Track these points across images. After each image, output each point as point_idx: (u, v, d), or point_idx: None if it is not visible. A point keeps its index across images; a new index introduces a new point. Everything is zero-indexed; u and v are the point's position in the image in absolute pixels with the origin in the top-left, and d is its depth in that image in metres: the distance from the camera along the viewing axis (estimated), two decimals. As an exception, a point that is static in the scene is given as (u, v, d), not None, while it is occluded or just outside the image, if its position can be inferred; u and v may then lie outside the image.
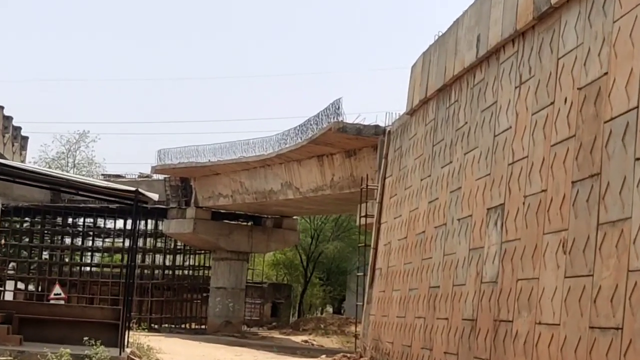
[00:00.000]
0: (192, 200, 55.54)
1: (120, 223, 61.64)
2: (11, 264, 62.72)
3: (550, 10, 14.50)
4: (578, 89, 13.11)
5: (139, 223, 52.63)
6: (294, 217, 59.05)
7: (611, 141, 11.74)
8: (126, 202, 22.38)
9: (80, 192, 23.62)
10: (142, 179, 59.18)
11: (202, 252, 62.38)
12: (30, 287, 62.66)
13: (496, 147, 16.44)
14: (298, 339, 54.74)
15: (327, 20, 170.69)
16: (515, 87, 15.88)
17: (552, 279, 13.02)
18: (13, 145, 42.93)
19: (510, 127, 15.80)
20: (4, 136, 40.78)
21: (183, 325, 60.62)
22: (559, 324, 12.61)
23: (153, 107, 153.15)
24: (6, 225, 59.79)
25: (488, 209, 16.35)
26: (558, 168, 13.40)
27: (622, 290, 10.86)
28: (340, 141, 39.08)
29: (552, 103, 14.05)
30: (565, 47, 13.82)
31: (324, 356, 27.69)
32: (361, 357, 25.27)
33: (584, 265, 12.01)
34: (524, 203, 14.58)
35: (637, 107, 11.15)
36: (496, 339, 14.99)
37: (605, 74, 12.26)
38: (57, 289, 34.98)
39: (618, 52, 11.95)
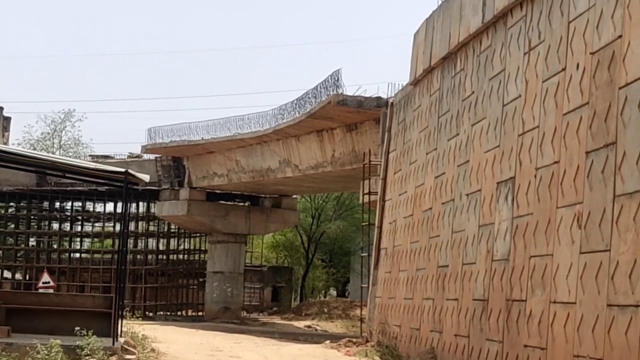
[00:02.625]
0: (186, 181, 55.52)
1: (110, 206, 61.64)
2: (-4, 252, 62.80)
3: (559, -29, 14.45)
4: (591, 53, 13.08)
5: (130, 206, 52.63)
6: (294, 196, 59.04)
7: (627, 108, 11.72)
8: (116, 184, 22.35)
9: (67, 175, 23.59)
10: (132, 159, 59.09)
11: (198, 235, 62.38)
12: (18, 276, 62.75)
13: (505, 117, 16.43)
14: (301, 324, 54.84)
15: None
16: (524, 54, 15.85)
17: (566, 255, 13.04)
18: (-5, 127, 42.87)
19: (520, 96, 15.78)
20: (-15, 117, 40.72)
21: (179, 313, 60.71)
22: (574, 303, 12.63)
23: (141, 83, 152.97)
24: (-10, 211, 59.83)
25: (498, 183, 16.35)
26: (571, 138, 13.39)
27: (641, 265, 10.87)
28: (341, 115, 39.01)
29: (564, 69, 14.02)
30: (577, 10, 13.78)
31: (328, 342, 27.73)
32: (367, 341, 25.33)
33: (600, 240, 12.02)
34: (535, 176, 14.58)
35: (654, 71, 11.13)
36: (509, 320, 15.03)
37: (619, 37, 12.22)
38: (46, 277, 35.01)
39: (632, 14, 11.92)
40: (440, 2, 21.78)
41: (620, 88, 12.00)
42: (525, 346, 14.19)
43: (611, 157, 12.00)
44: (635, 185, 11.26)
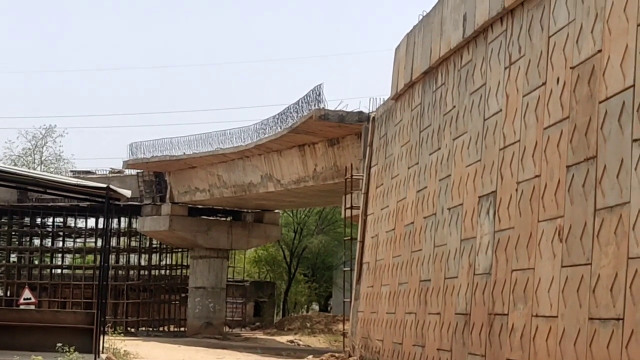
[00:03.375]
0: (168, 196, 55.45)
1: (91, 222, 61.54)
2: (-23, 269, 62.52)
3: (539, -14, 14.52)
4: (571, 68, 13.14)
5: (112, 221, 52.54)
6: (276, 211, 59.04)
7: (607, 122, 11.77)
8: (97, 199, 22.36)
9: (49, 191, 23.57)
10: (113, 174, 59.01)
11: (180, 250, 62.31)
12: (-1, 292, 62.50)
13: (486, 131, 16.47)
14: (283, 339, 54.79)
15: (304, 3, 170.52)
16: (505, 68, 15.91)
17: (548, 268, 13.07)
18: (-25, 143, 42.70)
19: (501, 110, 15.83)
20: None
21: (161, 328, 60.57)
22: (556, 316, 12.66)
23: (123, 99, 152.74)
24: (-29, 227, 59.56)
25: (479, 197, 16.39)
26: (552, 152, 13.44)
27: (622, 278, 10.91)
28: (322, 129, 39.07)
29: (544, 84, 14.08)
30: (557, 24, 13.85)
31: (310, 356, 27.73)
32: (350, 356, 25.30)
33: (582, 254, 12.05)
34: (517, 190, 14.62)
35: (633, 85, 11.18)
36: (491, 334, 15.04)
37: (599, 51, 12.29)
38: (27, 294, 34.87)
39: (612, 28, 11.98)
40: (421, 17, 21.84)
41: (600, 102, 12.06)
42: (508, 360, 14.20)
43: (592, 171, 12.04)
44: (615, 199, 11.31)
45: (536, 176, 13.92)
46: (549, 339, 12.82)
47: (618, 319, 10.90)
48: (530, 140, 14.35)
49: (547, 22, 14.22)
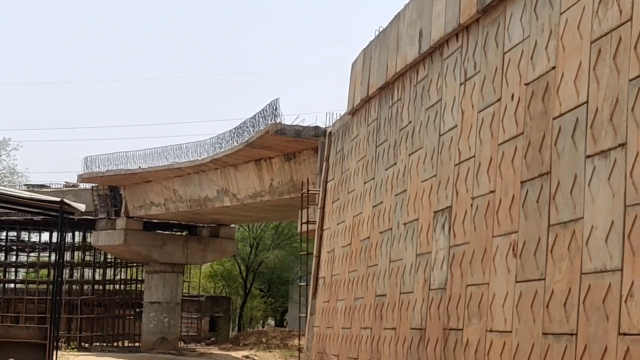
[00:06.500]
0: (123, 210, 55.13)
1: (45, 236, 61.04)
2: None
3: (494, 3, 14.63)
4: (525, 84, 13.24)
5: (66, 235, 52.15)
6: (232, 226, 58.90)
7: (560, 138, 11.87)
8: (51, 213, 22.18)
9: (2, 204, 23.35)
10: (68, 188, 58.59)
11: (135, 264, 61.94)
12: (-50, 307, 61.76)
13: (442, 147, 16.55)
14: (238, 354, 54.56)
15: (262, 18, 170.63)
16: (460, 84, 16.00)
17: (502, 283, 13.14)
18: None
19: (456, 126, 15.91)
20: None
21: (115, 343, 60.13)
22: (510, 331, 12.72)
23: (78, 112, 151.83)
24: None
25: (435, 212, 16.45)
26: (506, 168, 13.53)
27: (575, 293, 10.99)
28: (279, 144, 39.07)
29: (499, 100, 14.18)
30: (511, 41, 13.96)
31: (266, 372, 27.66)
32: (305, 371, 25.26)
33: (536, 269, 12.13)
34: (471, 205, 14.69)
35: (587, 102, 11.29)
36: (446, 349, 15.08)
37: (553, 68, 12.40)
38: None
39: (566, 45, 12.10)
40: (377, 32, 21.93)
41: (554, 118, 12.16)
42: (462, 375, 14.24)
43: (545, 187, 12.13)
44: (569, 214, 11.40)
45: (491, 192, 14.00)
46: (503, 354, 12.88)
47: (571, 334, 10.98)
48: (485, 155, 14.43)
49: (502, 38, 14.33)
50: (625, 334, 9.82)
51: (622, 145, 10.34)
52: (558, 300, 11.39)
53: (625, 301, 9.86)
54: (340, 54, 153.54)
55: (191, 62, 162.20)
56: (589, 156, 11.06)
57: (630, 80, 10.36)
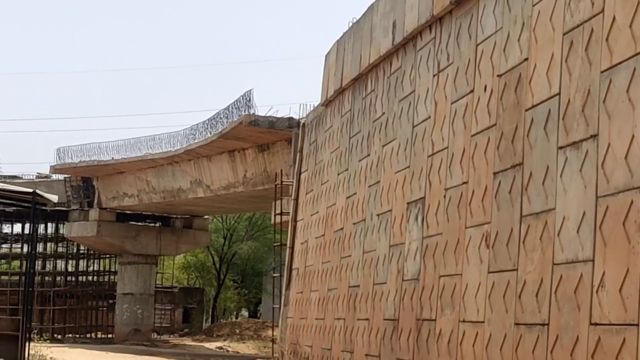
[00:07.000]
0: (95, 201, 54.90)
1: (18, 227, 60.68)
2: None
3: (468, -5, 14.67)
4: (498, 76, 13.29)
5: (38, 227, 51.89)
6: (205, 217, 58.77)
7: (533, 130, 11.93)
8: (24, 204, 22.07)
9: (-27, 195, 23.21)
10: (40, 179, 58.29)
11: (108, 256, 61.70)
12: None
13: (415, 138, 16.59)
14: (212, 345, 54.50)
15: (235, 8, 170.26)
16: (434, 75, 16.04)
17: (475, 274, 13.20)
18: None
19: (429, 117, 15.96)
20: None
21: (88, 335, 59.90)
22: (483, 322, 12.78)
23: (51, 103, 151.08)
24: None
25: (408, 203, 16.49)
26: (479, 159, 13.58)
27: (547, 284, 11.06)
28: (252, 135, 39.01)
29: (472, 91, 14.23)
30: (484, 33, 14.01)
31: (239, 363, 27.66)
32: (279, 362, 25.28)
33: (508, 260, 12.19)
34: (444, 196, 14.74)
35: (559, 93, 11.35)
36: (419, 339, 15.14)
37: (526, 59, 12.46)
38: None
39: (538, 37, 12.16)
40: (351, 23, 21.93)
41: (526, 110, 12.22)
42: (435, 365, 14.30)
43: (518, 178, 12.19)
44: (541, 205, 11.46)
45: (464, 183, 14.05)
46: (475, 344, 12.95)
47: (543, 324, 11.05)
48: (458, 147, 14.48)
49: (475, 30, 14.37)
50: (596, 324, 9.89)
51: (594, 136, 10.41)
52: (530, 291, 11.45)
53: (597, 291, 9.93)
54: (315, 46, 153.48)
55: (166, 53, 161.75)
56: (561, 147, 11.13)
57: (602, 72, 10.43)
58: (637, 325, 9.15)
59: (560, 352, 10.57)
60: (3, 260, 64.32)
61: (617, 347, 9.42)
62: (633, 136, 9.62)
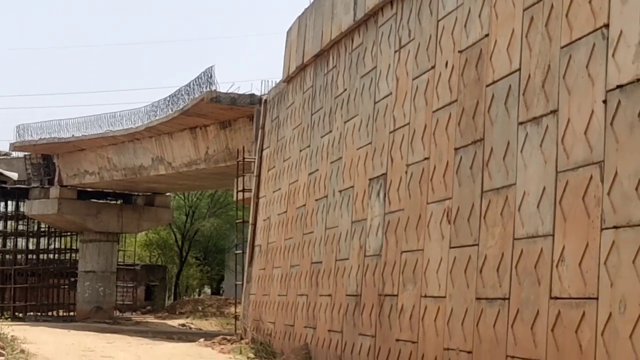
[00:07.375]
0: (56, 179, 54.53)
1: (-23, 206, 60.19)
2: None
3: (429, -30, 14.68)
4: (459, 52, 13.34)
5: (-1, 205, 51.52)
6: (167, 194, 58.56)
7: (494, 105, 12.00)
8: (-17, 182, 21.89)
9: None
10: (0, 157, 57.82)
11: (69, 234, 61.36)
12: None
13: (377, 114, 16.62)
14: (175, 322, 54.47)
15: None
16: (395, 52, 16.06)
17: (437, 249, 13.28)
18: None
19: (391, 94, 15.99)
20: None
21: (50, 313, 59.62)
22: (444, 297, 12.87)
23: (10, 80, 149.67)
24: None
25: (370, 180, 16.54)
26: (440, 135, 13.64)
27: (507, 259, 11.15)
28: (214, 112, 38.86)
29: (433, 67, 14.26)
30: (445, 9, 14.03)
31: (202, 340, 27.63)
32: (242, 338, 25.33)
33: (469, 235, 12.27)
34: (406, 172, 14.80)
35: (519, 69, 11.41)
36: (381, 314, 15.22)
37: (486, 35, 12.50)
38: None
39: (499, 13, 12.20)
40: (312, 0, 21.89)
41: (487, 86, 12.27)
42: (397, 340, 14.39)
43: (479, 154, 12.26)
44: (502, 180, 11.54)
45: (425, 159, 14.11)
46: (437, 319, 13.03)
47: (504, 299, 11.14)
48: (419, 123, 14.53)
49: (437, 6, 14.39)
50: (556, 298, 9.99)
51: (554, 112, 10.48)
52: (491, 266, 11.54)
53: (557, 266, 10.03)
54: (276, 22, 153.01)
55: (127, 30, 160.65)
56: (521, 123, 11.20)
57: (561, 48, 10.49)
58: (597, 299, 9.25)
59: (520, 326, 10.67)
60: (-37, 239, 63.78)
61: (577, 321, 9.53)
62: (592, 111, 9.69)
